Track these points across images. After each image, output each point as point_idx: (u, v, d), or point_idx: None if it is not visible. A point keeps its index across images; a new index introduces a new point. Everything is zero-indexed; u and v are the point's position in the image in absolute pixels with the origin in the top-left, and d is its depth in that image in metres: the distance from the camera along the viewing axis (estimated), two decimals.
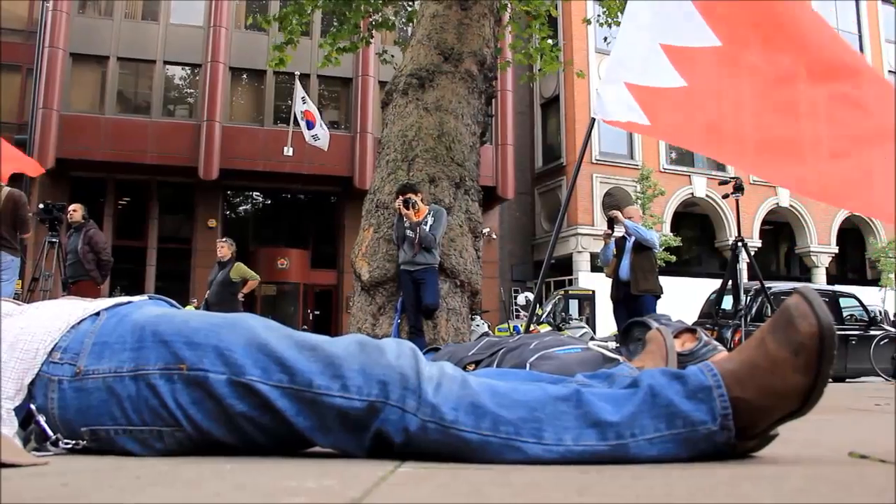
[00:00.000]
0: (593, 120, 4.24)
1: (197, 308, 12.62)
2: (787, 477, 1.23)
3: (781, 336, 1.35)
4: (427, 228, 6.16)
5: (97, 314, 1.64)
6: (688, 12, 3.66)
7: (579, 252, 27.58)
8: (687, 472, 1.27)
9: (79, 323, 1.61)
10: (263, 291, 23.41)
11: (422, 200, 6.21)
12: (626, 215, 8.72)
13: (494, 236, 25.91)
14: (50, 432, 1.51)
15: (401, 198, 6.13)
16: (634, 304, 8.22)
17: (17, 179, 8.75)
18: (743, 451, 1.45)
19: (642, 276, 8.40)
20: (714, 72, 3.55)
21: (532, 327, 11.34)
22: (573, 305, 23.16)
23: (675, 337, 2.31)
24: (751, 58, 3.42)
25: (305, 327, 22.26)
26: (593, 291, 24.54)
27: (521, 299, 16.41)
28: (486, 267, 16.05)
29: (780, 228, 30.81)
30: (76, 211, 9.07)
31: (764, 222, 28.75)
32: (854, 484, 1.16)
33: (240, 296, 10.00)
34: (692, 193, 28.16)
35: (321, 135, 19.97)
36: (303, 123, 20.01)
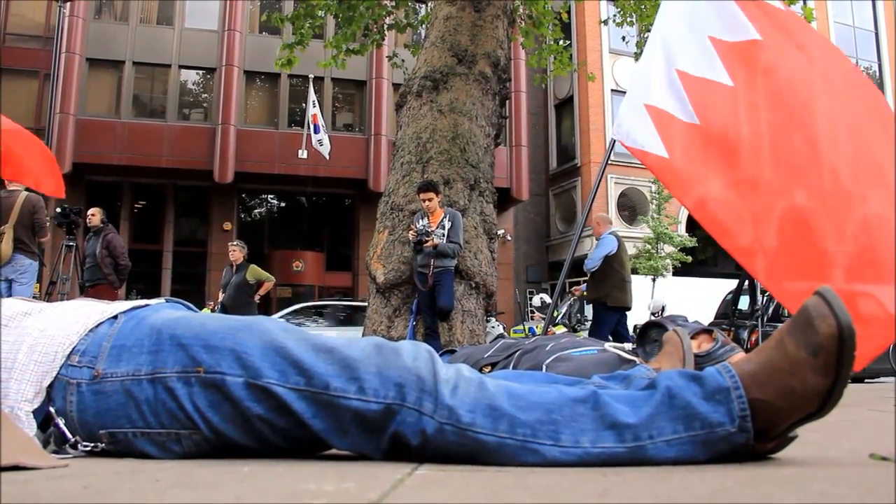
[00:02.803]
0: (612, 142, 4.19)
1: (212, 311, 12.68)
2: (808, 478, 1.22)
3: (800, 337, 1.34)
4: (444, 234, 6.17)
5: (115, 317, 1.65)
6: (705, 46, 3.62)
7: None
8: (706, 473, 1.26)
9: (97, 326, 1.61)
10: (279, 294, 23.46)
11: (439, 203, 6.21)
12: (596, 225, 9.10)
13: (509, 238, 25.87)
14: (69, 435, 1.52)
15: (414, 235, 6.18)
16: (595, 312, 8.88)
17: None
18: (762, 453, 1.44)
19: (592, 286, 8.91)
20: (727, 112, 3.47)
21: (548, 328, 11.32)
22: (588, 307, 23.09)
23: (692, 338, 2.30)
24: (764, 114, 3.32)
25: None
26: None
27: (535, 301, 16.35)
28: (501, 268, 16.03)
29: None
30: (94, 215, 9.12)
31: None
32: (877, 486, 1.15)
33: (255, 298, 10.03)
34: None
35: (325, 141, 20.10)
36: (312, 128, 20.13)
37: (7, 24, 24.54)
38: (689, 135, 3.55)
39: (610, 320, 8.71)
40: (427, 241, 6.12)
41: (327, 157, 20.60)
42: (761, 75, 3.42)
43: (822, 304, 1.31)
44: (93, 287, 8.86)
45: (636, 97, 3.91)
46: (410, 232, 6.22)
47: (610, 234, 8.78)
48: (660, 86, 3.77)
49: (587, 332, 10.03)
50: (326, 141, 20.20)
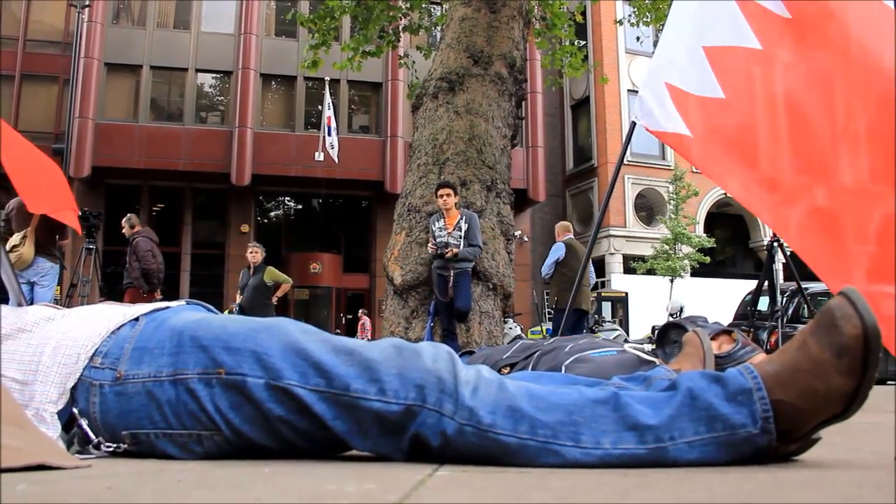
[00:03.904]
0: (633, 124, 4.13)
1: (231, 313, 12.74)
2: (832, 481, 1.21)
3: (824, 338, 1.32)
4: (461, 235, 6.18)
5: (136, 319, 1.66)
6: (732, 12, 3.50)
7: (612, 254, 27.46)
8: (728, 475, 1.25)
9: (118, 328, 1.62)
10: (296, 296, 23.58)
11: (455, 204, 6.22)
12: (556, 234, 9.71)
13: (526, 239, 25.88)
14: (92, 435, 1.53)
15: (433, 248, 6.22)
16: None
17: None
18: (784, 455, 1.43)
19: (553, 291, 9.49)
20: (751, 79, 3.37)
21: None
22: (606, 307, 23.04)
23: (712, 339, 2.28)
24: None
25: (338, 331, 22.36)
26: (626, 293, 24.42)
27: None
28: (518, 270, 16.01)
29: None
30: (123, 226, 9.31)
31: None
32: None
33: (273, 299, 10.06)
34: (725, 194, 27.87)
35: (335, 143, 20.19)
36: (326, 130, 20.22)
37: (28, 30, 24.79)
38: (715, 110, 3.48)
39: (560, 321, 9.09)
40: (448, 252, 6.13)
41: (335, 160, 20.67)
42: (792, 43, 3.30)
43: (847, 304, 1.30)
44: (126, 291, 9.08)
45: (656, 77, 3.84)
46: (430, 246, 6.24)
47: (564, 241, 9.41)
48: (682, 64, 3.70)
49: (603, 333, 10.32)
50: (336, 143, 20.29)
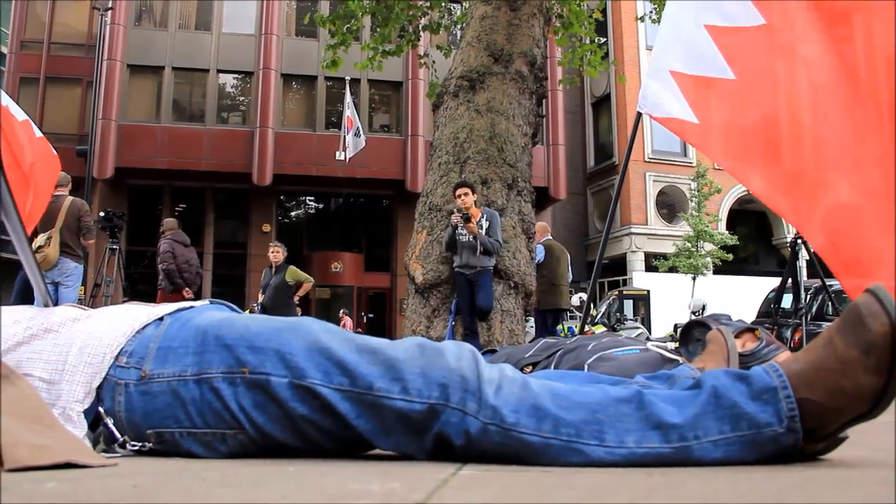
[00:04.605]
0: (639, 115, 4.08)
1: (251, 312, 12.81)
2: (859, 480, 1.20)
3: (851, 336, 1.31)
4: (483, 233, 6.18)
5: (161, 319, 1.67)
6: None
7: (633, 252, 27.34)
8: (754, 474, 1.24)
9: (143, 328, 1.64)
10: (318, 295, 23.65)
11: (475, 202, 6.21)
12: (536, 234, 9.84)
13: None
14: (118, 434, 1.54)
15: (459, 199, 6.14)
16: None
17: (77, 189, 9.05)
18: (811, 454, 1.42)
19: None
20: (763, 59, 3.27)
21: (587, 328, 11.33)
22: (628, 306, 22.95)
23: (736, 337, 2.26)
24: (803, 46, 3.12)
25: (360, 330, 22.43)
26: (648, 291, 24.31)
27: (574, 300, 16.28)
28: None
29: None
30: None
31: None
32: None
33: (294, 299, 10.11)
34: (748, 191, 27.62)
35: (350, 143, 20.21)
36: (346, 130, 20.28)
37: (52, 33, 25.06)
38: (725, 93, 3.40)
39: (540, 321, 9.71)
40: (470, 222, 6.09)
41: (346, 161, 20.71)
42: (807, 24, 3.20)
43: (874, 301, 1.28)
44: (157, 292, 9.30)
45: (660, 65, 3.78)
46: (454, 215, 6.20)
47: (542, 242, 9.57)
48: (684, 46, 3.63)
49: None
50: (352, 143, 20.33)
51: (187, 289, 9.38)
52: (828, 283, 7.35)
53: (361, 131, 20.63)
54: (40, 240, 7.43)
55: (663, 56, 3.79)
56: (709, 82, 3.48)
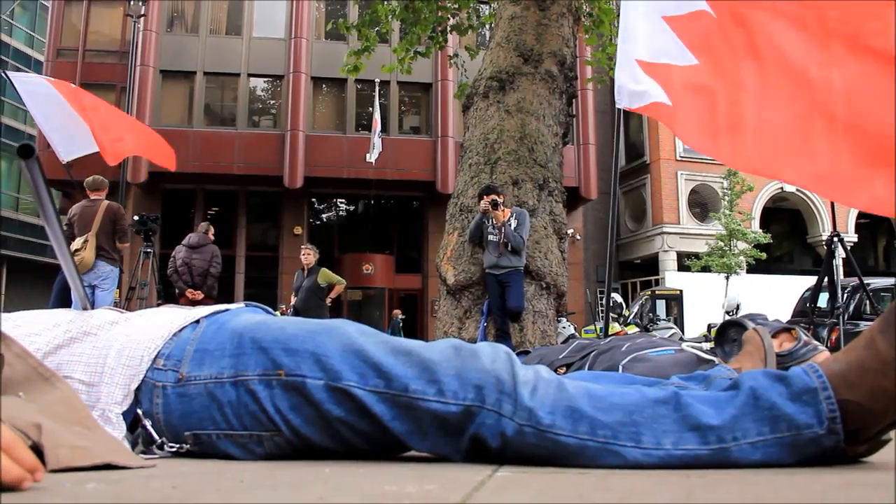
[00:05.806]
0: (619, 112, 4.04)
1: (282, 314, 12.88)
2: None
3: (892, 336, 1.29)
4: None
5: (197, 322, 1.68)
6: None
7: (665, 251, 27.12)
8: (794, 477, 1.22)
9: (180, 330, 1.65)
10: (349, 297, 23.75)
11: (503, 204, 6.20)
12: None
13: (578, 237, 25.68)
14: (156, 436, 1.56)
15: (486, 199, 6.13)
16: None
17: (112, 193, 9.12)
18: (853, 457, 1.40)
19: None
20: (719, 44, 3.26)
21: (619, 329, 11.24)
22: (660, 306, 22.76)
23: (773, 337, 2.24)
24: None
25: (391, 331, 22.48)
26: (681, 291, 24.10)
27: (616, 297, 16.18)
28: (571, 268, 15.89)
29: (877, 222, 29.61)
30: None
31: (860, 215, 27.64)
32: None
33: (327, 301, 10.16)
34: (781, 188, 27.33)
35: (377, 145, 20.31)
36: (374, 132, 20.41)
37: (87, 41, 25.44)
38: (690, 77, 3.38)
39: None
40: (498, 209, 6.08)
41: (372, 162, 20.80)
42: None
43: None
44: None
45: (626, 56, 3.75)
46: (483, 200, 6.18)
47: None
48: (646, 38, 3.61)
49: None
50: (377, 144, 20.45)
51: (190, 290, 9.24)
52: (865, 282, 7.24)
53: (379, 133, 20.78)
54: (77, 243, 7.55)
55: (626, 48, 3.76)
56: (674, 69, 3.45)
